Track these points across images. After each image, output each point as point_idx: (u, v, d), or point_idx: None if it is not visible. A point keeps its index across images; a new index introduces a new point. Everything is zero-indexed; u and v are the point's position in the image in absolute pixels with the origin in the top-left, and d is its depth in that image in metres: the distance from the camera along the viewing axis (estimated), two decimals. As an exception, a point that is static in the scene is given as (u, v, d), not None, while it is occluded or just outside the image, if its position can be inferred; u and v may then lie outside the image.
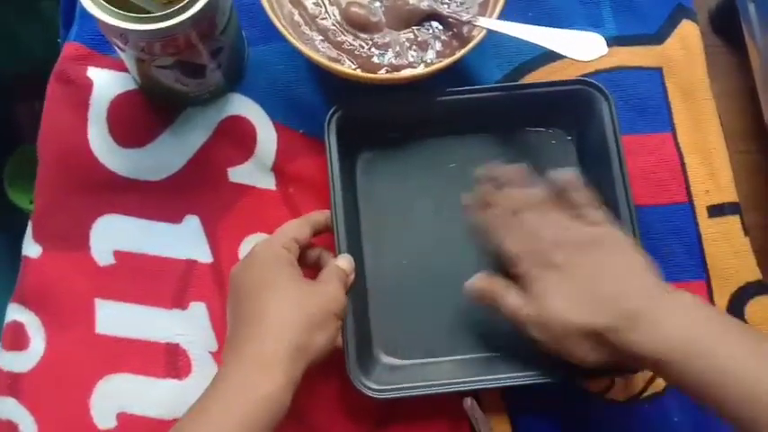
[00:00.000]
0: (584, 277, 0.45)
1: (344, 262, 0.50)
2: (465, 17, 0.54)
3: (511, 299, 0.47)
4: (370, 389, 0.49)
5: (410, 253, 0.55)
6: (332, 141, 0.52)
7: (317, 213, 0.52)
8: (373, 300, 0.54)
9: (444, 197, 0.56)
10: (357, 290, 0.51)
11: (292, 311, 0.45)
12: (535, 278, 0.46)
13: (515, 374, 0.50)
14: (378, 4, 0.55)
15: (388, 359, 0.52)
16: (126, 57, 0.52)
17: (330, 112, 0.53)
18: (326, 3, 0.55)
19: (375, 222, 0.55)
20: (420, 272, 0.54)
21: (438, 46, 0.55)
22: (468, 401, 0.51)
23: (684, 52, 0.60)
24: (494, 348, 0.52)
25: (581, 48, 0.51)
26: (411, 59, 0.54)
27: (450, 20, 0.54)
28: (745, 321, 0.55)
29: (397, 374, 0.51)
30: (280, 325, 0.44)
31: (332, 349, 0.47)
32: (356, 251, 0.52)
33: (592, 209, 0.48)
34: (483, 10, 0.55)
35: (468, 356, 0.52)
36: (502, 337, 0.51)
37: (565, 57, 0.59)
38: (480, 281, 0.49)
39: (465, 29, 0.55)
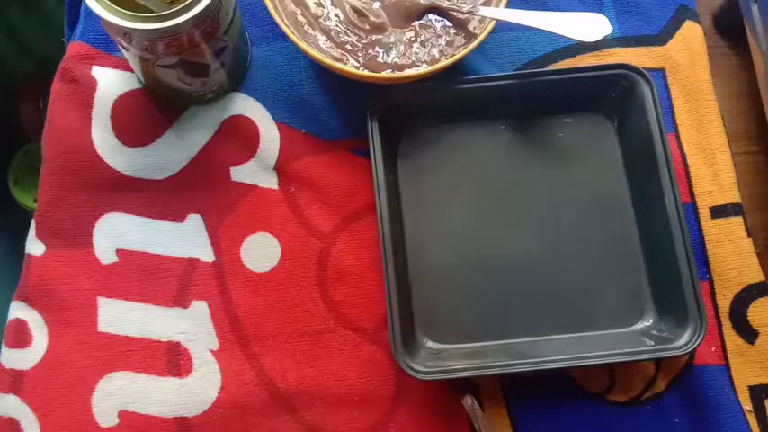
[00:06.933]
0: None
1: None
2: (465, 8, 0.54)
3: None
4: (416, 371, 0.49)
5: (451, 238, 0.55)
6: (375, 138, 0.53)
7: None
8: (416, 286, 0.54)
9: (484, 184, 0.56)
10: (400, 276, 0.52)
11: None
12: None
13: (554, 358, 0.50)
14: (377, 4, 0.55)
15: (430, 343, 0.53)
16: (130, 56, 0.52)
17: (370, 109, 0.54)
18: (329, 3, 0.55)
19: (416, 210, 0.55)
20: (461, 258, 0.55)
21: (442, 44, 0.55)
22: (469, 400, 0.51)
23: (687, 53, 0.60)
24: (536, 333, 0.53)
25: (586, 29, 0.51)
26: (415, 58, 0.54)
27: (451, 13, 0.54)
28: (748, 323, 0.55)
29: (439, 358, 0.52)
30: None
31: None
32: (398, 239, 0.53)
33: None
34: (486, 6, 0.55)
35: (511, 341, 0.53)
36: (544, 321, 0.53)
37: (569, 56, 0.60)
38: None
39: (470, 26, 0.55)
